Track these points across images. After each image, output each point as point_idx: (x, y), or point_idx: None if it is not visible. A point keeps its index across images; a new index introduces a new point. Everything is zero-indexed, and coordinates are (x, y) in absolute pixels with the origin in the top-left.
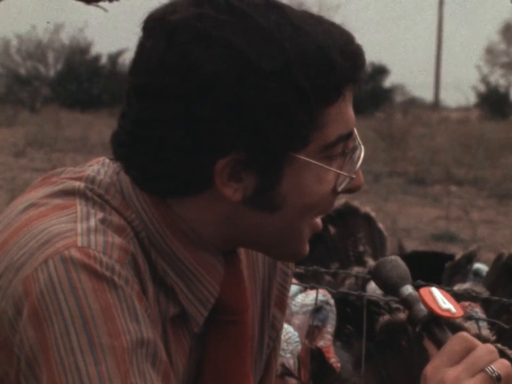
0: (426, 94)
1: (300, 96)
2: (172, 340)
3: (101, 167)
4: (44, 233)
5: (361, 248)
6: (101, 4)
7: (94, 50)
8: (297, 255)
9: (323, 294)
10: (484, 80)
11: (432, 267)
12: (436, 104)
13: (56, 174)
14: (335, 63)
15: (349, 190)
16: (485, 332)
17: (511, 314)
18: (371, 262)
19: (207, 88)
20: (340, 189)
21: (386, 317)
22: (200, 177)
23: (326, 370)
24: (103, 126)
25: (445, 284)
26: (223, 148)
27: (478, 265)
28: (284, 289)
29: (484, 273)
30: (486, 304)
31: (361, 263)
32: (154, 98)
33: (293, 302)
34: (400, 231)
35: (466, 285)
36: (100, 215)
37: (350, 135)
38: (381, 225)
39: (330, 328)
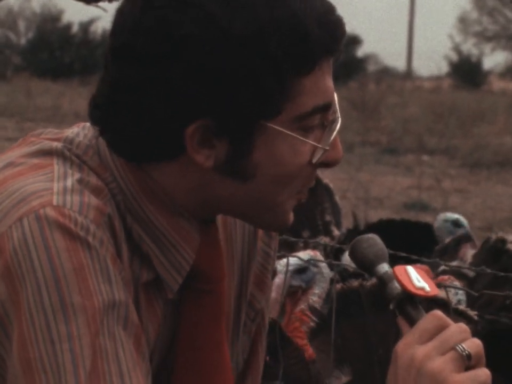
0: (399, 64)
1: (271, 64)
2: (143, 305)
3: (81, 130)
4: (20, 192)
5: (327, 218)
6: (100, 4)
7: (65, 19)
8: (277, 225)
9: (311, 256)
10: (456, 49)
11: (401, 235)
12: (408, 74)
13: (35, 134)
14: (311, 33)
15: (327, 164)
16: (451, 297)
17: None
18: (336, 232)
19: (179, 52)
20: (314, 160)
21: (339, 285)
22: (172, 143)
23: (284, 342)
24: (74, 95)
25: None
26: (193, 113)
27: (457, 216)
28: (265, 269)
29: (464, 224)
30: (470, 283)
31: (328, 232)
32: (129, 61)
33: (280, 262)
34: (372, 200)
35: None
36: (77, 175)
37: (327, 106)
38: (337, 198)
39: (317, 289)
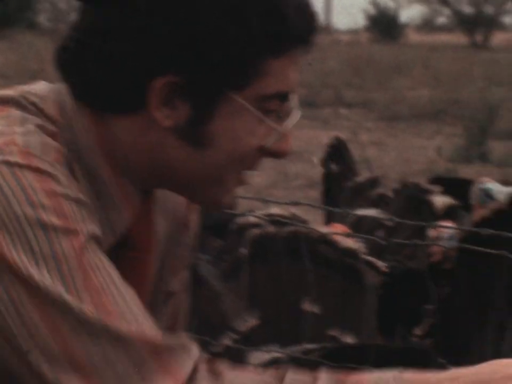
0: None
1: (248, 35)
2: None
3: (38, 84)
4: None
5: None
6: None
7: None
8: (217, 203)
9: None
10: (374, 2)
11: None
12: (327, 27)
13: None
14: (288, 17)
15: (275, 154)
16: (359, 245)
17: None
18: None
19: (156, 2)
20: (266, 144)
21: (257, 231)
22: (135, 94)
23: (196, 281)
24: None
25: (344, 206)
26: (161, 66)
27: (489, 185)
28: (181, 256)
29: (497, 195)
30: (391, 232)
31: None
32: (100, 8)
33: None
34: (291, 154)
35: (371, 212)
36: (36, 120)
37: (287, 96)
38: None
39: None
